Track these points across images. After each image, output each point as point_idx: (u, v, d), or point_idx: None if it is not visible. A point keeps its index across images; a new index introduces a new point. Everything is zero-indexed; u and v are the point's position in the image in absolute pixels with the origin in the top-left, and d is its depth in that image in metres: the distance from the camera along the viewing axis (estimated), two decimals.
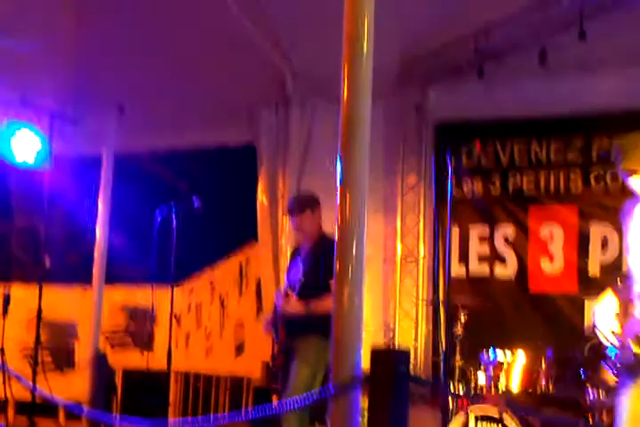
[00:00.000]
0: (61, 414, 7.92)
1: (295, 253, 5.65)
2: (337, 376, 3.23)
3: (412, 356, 6.41)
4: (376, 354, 3.09)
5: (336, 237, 3.37)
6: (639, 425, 3.68)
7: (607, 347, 3.91)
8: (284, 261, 6.34)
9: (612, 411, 4.41)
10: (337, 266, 3.32)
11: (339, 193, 3.32)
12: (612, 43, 5.55)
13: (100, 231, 7.12)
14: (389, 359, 3.06)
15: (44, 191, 6.68)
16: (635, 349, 3.74)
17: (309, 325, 5.09)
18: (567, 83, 5.85)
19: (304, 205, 5.47)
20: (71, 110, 6.87)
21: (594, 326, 3.96)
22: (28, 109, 6.76)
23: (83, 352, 7.75)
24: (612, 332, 3.90)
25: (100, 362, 6.91)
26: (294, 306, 5.23)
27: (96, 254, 7.10)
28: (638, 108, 5.62)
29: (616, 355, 3.88)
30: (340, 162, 3.34)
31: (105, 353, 7.17)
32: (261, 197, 6.96)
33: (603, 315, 3.99)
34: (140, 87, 6.70)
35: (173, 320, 7.53)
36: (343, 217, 3.32)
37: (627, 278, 3.86)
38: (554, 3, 5.50)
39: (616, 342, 3.87)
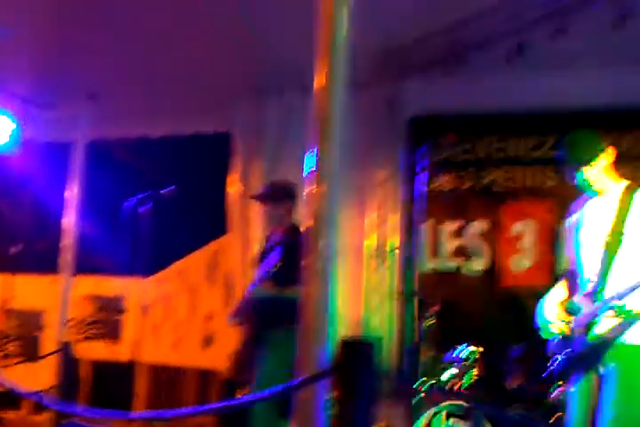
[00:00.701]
0: (26, 405, 7.84)
1: (266, 242, 5.61)
2: (302, 368, 3.20)
3: (382, 350, 6.40)
4: (343, 345, 3.06)
5: (307, 228, 3.33)
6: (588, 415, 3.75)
7: (551, 337, 3.97)
8: (255, 253, 6.30)
9: None
10: (307, 258, 3.29)
11: (310, 184, 3.28)
12: (589, 40, 5.55)
13: (70, 219, 7.04)
14: (356, 350, 3.02)
15: (13, 177, 6.60)
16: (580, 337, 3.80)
17: (281, 315, 5.04)
18: (542, 79, 5.86)
19: (282, 193, 5.42)
20: (43, 96, 6.78)
21: (542, 316, 4.01)
22: (0, 94, 6.68)
23: (49, 342, 7.67)
24: (559, 322, 3.94)
25: (65, 352, 6.83)
26: (269, 292, 5.16)
27: (65, 243, 7.02)
28: (612, 106, 5.65)
29: (556, 344, 3.95)
30: (312, 152, 3.30)
31: (71, 343, 7.08)
32: (234, 187, 6.90)
33: (550, 305, 4.05)
34: (113, 74, 6.62)
35: (142, 311, 7.51)
36: (313, 208, 3.28)
37: (573, 271, 3.92)
38: None
39: (560, 329, 3.92)
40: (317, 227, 3.25)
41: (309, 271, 3.28)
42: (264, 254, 5.48)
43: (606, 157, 3.91)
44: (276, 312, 5.06)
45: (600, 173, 3.91)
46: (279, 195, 5.40)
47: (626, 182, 3.93)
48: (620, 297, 3.66)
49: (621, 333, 3.74)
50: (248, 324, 5.39)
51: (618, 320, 3.71)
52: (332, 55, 3.22)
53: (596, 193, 3.99)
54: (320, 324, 3.25)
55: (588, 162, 3.88)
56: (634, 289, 3.62)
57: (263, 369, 5.14)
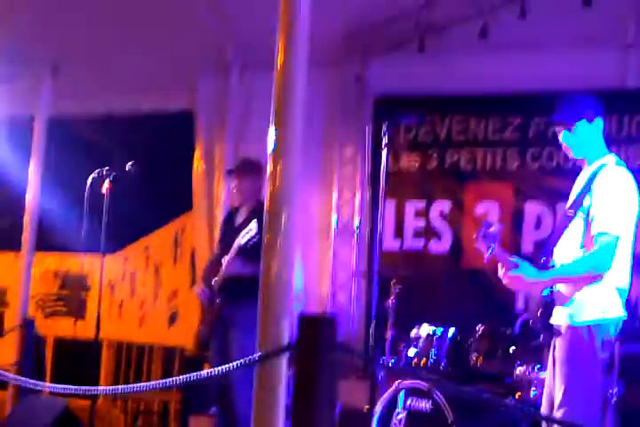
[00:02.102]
0: None
1: (231, 217, 5.59)
2: (263, 344, 3.21)
3: (346, 328, 6.43)
4: (302, 321, 3.07)
5: (265, 207, 3.33)
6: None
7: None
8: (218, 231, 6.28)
9: (539, 387, 4.49)
10: (266, 236, 3.28)
11: (269, 162, 3.27)
12: (555, 22, 5.56)
13: (31, 196, 6.97)
14: (316, 326, 3.03)
15: None
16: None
17: (249, 291, 5.01)
18: (509, 60, 5.85)
19: (250, 168, 5.43)
20: (4, 69, 6.67)
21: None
22: None
23: (12, 319, 7.61)
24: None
25: (27, 328, 6.80)
26: (238, 267, 5.14)
27: (26, 219, 6.96)
28: (577, 89, 5.66)
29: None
30: (273, 130, 3.28)
31: (34, 319, 7.04)
32: (198, 165, 6.87)
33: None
34: (76, 49, 6.53)
35: (107, 289, 7.47)
36: (273, 186, 3.27)
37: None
38: None
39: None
40: (276, 204, 3.24)
41: (269, 248, 3.28)
42: (236, 227, 5.45)
43: (592, 124, 3.85)
44: (244, 290, 5.04)
45: (580, 139, 3.86)
46: (253, 169, 5.42)
47: (609, 159, 3.88)
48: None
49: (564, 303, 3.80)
50: (216, 300, 5.36)
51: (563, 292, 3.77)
52: (290, 34, 3.19)
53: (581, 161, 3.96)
54: (280, 300, 3.26)
55: (570, 123, 3.85)
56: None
57: (234, 347, 5.14)
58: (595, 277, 3.70)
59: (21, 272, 7.03)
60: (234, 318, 5.30)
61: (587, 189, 3.78)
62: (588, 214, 3.74)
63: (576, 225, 3.79)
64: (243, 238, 5.19)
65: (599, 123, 3.87)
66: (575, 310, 3.74)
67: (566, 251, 3.82)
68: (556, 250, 3.87)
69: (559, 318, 3.80)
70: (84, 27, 6.24)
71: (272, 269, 3.25)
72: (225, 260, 5.29)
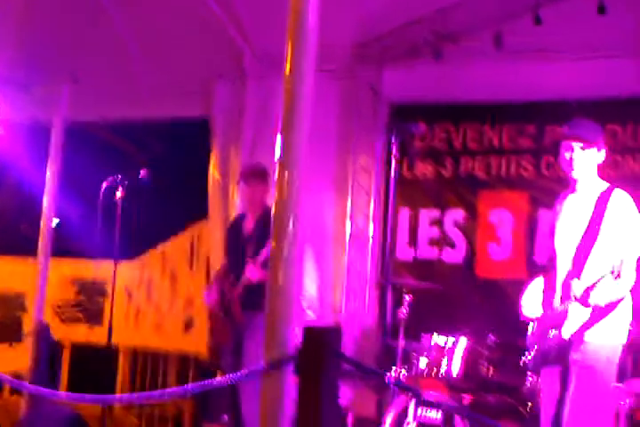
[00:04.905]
0: (7, 386, 7.83)
1: (238, 225, 5.56)
2: (268, 355, 3.20)
3: (359, 337, 6.41)
4: (306, 332, 3.07)
5: (272, 214, 3.33)
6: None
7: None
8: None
9: None
10: (272, 243, 3.28)
11: (277, 169, 3.27)
12: (569, 30, 5.54)
13: (48, 202, 7.00)
14: (320, 337, 3.03)
15: None
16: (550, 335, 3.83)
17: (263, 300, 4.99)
18: (523, 68, 5.85)
19: (259, 175, 5.42)
20: (23, 76, 6.73)
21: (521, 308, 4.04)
22: None
23: (30, 325, 7.65)
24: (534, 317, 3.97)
25: (43, 334, 6.81)
26: (261, 274, 5.09)
27: (43, 225, 6.99)
28: (592, 98, 5.64)
29: (532, 337, 3.99)
30: (280, 138, 3.29)
31: (49, 325, 7.07)
32: (213, 172, 6.89)
33: (528, 299, 4.07)
34: (95, 56, 6.58)
35: (124, 295, 7.50)
36: (280, 194, 3.27)
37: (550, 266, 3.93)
38: None
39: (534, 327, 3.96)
40: (281, 213, 3.24)
41: (276, 257, 3.28)
42: (245, 235, 5.42)
43: (599, 153, 3.90)
44: (260, 300, 4.99)
45: (588, 162, 3.88)
46: (262, 176, 5.41)
47: (606, 184, 3.92)
48: (587, 293, 3.69)
49: (588, 329, 3.77)
50: (235, 309, 5.33)
51: (585, 316, 3.73)
52: (299, 42, 3.20)
53: (573, 182, 3.97)
54: (285, 309, 3.25)
55: (585, 141, 3.85)
56: (596, 285, 3.65)
57: (248, 356, 5.13)
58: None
59: (38, 278, 7.06)
60: (250, 326, 5.28)
61: (601, 210, 3.79)
62: (607, 235, 3.75)
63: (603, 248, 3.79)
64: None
65: (604, 154, 3.91)
66: (605, 329, 3.75)
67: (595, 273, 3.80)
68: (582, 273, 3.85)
69: (588, 335, 3.79)
70: (102, 35, 6.29)
71: (279, 277, 3.25)
72: (249, 267, 5.21)
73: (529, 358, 4.06)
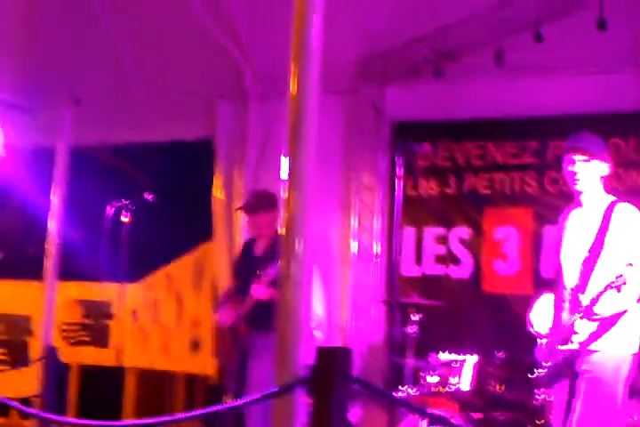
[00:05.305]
0: (15, 410, 7.81)
1: (249, 248, 5.57)
2: (279, 377, 3.19)
3: (367, 356, 6.40)
4: (318, 353, 3.06)
5: (281, 235, 3.33)
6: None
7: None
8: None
9: None
10: (281, 265, 3.28)
11: (284, 191, 3.27)
12: (570, 46, 5.57)
13: (54, 225, 7.02)
14: (331, 358, 3.02)
15: None
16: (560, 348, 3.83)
17: (270, 320, 4.98)
18: (524, 85, 5.87)
19: (262, 204, 5.41)
20: (26, 100, 6.77)
21: (530, 324, 4.04)
22: None
23: (37, 348, 7.64)
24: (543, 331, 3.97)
25: (51, 357, 6.81)
26: (266, 292, 5.08)
27: (48, 248, 7.00)
28: (594, 113, 5.66)
29: (541, 352, 3.99)
30: (287, 159, 3.30)
31: (57, 348, 7.06)
32: (217, 193, 6.90)
33: (537, 315, 4.07)
34: (97, 79, 6.62)
35: (130, 317, 7.49)
36: (288, 215, 3.28)
37: (557, 280, 3.93)
38: (512, 3, 5.51)
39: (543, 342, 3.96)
40: (289, 233, 3.24)
41: (283, 277, 3.28)
42: (256, 257, 5.42)
43: (603, 166, 3.90)
44: (266, 320, 4.99)
45: (592, 175, 3.90)
46: (263, 204, 5.39)
47: (611, 198, 3.93)
48: (591, 306, 3.69)
49: (595, 340, 3.77)
50: (240, 329, 5.33)
51: (592, 328, 3.74)
52: (303, 62, 3.21)
53: (578, 195, 3.98)
54: (296, 330, 3.24)
55: (588, 154, 3.86)
56: (599, 298, 3.66)
57: (254, 377, 5.12)
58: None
59: (44, 301, 7.06)
60: (255, 346, 5.27)
61: (607, 223, 3.80)
62: (612, 248, 3.76)
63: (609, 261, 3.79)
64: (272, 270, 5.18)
65: (608, 167, 3.93)
66: (612, 340, 3.74)
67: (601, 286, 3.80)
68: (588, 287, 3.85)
69: (598, 345, 3.79)
70: (104, 57, 6.33)
71: (288, 297, 3.25)
72: (255, 286, 5.20)
73: (541, 373, 4.05)
